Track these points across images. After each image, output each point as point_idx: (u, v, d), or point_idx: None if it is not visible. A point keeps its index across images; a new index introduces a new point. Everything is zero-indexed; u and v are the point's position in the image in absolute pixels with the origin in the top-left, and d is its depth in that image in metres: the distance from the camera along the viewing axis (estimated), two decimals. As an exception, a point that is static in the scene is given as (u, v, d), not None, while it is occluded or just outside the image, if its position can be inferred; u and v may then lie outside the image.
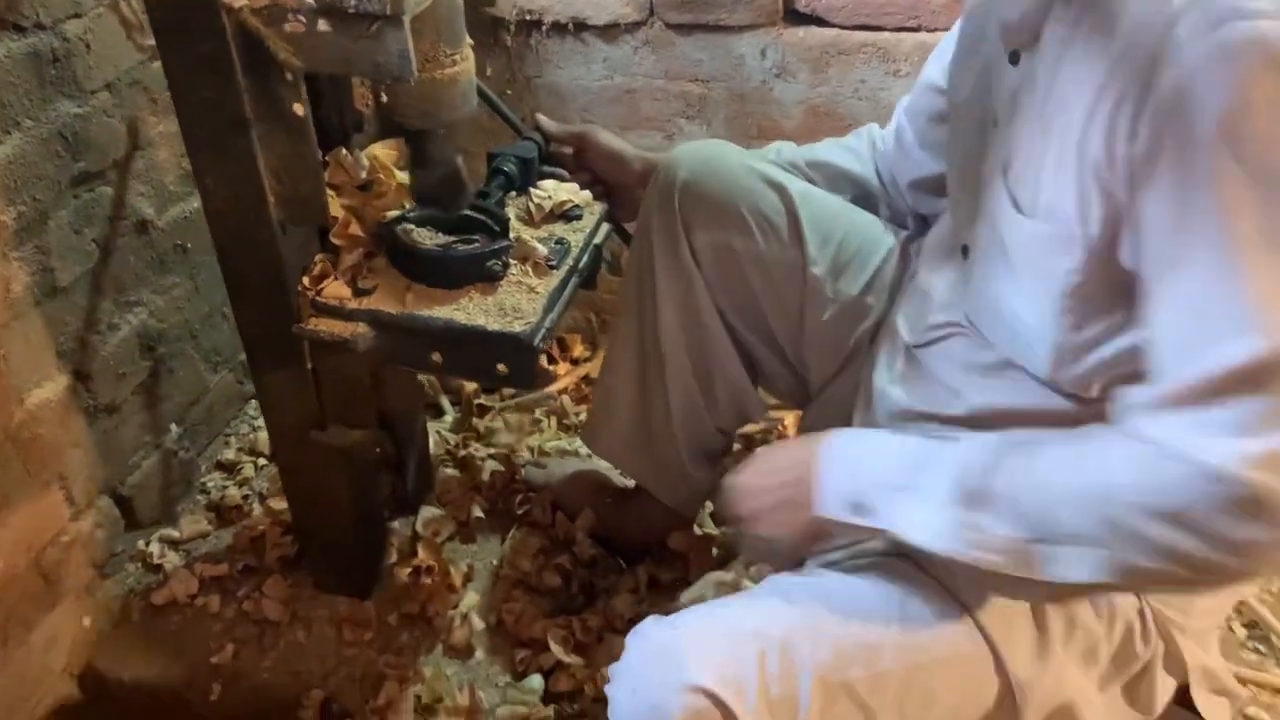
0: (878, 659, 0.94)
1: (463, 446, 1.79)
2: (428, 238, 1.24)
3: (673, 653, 0.94)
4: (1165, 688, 1.09)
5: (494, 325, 1.16)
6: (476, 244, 1.22)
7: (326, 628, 1.46)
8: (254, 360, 1.29)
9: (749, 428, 1.88)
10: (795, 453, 1.06)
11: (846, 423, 1.26)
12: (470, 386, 1.99)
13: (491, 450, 1.79)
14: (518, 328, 1.16)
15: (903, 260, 1.32)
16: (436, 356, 1.21)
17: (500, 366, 1.19)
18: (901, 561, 1.03)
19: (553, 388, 2.03)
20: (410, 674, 1.41)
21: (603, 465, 1.76)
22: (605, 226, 1.37)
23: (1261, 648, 1.65)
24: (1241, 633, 1.67)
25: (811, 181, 1.38)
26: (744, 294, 1.35)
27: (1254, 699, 1.57)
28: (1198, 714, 1.14)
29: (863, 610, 0.98)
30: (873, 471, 0.98)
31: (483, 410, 1.94)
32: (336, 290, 1.21)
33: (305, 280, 1.21)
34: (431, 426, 1.88)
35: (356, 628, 1.45)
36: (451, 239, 1.23)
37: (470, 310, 1.19)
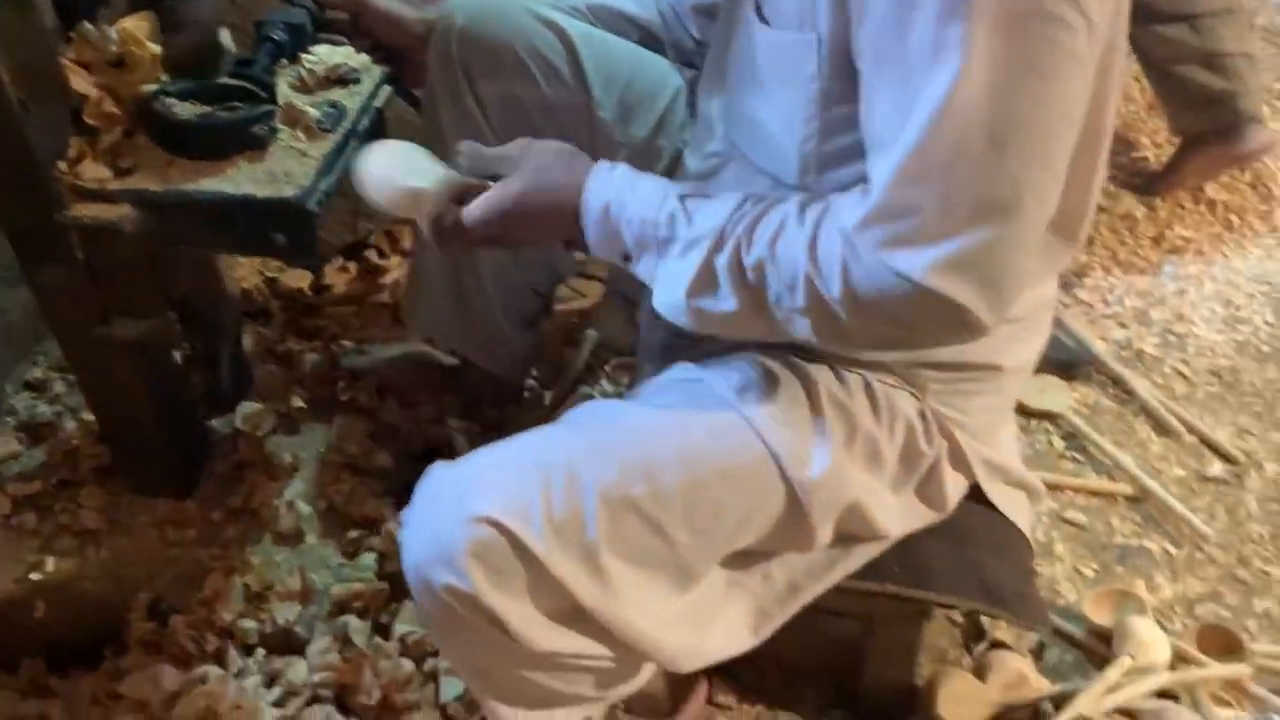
0: (660, 474, 0.95)
1: (282, 342, 1.74)
2: (190, 111, 1.18)
3: (456, 488, 0.94)
4: (955, 484, 1.13)
5: (263, 192, 1.12)
6: (239, 110, 1.17)
7: (148, 531, 1.42)
8: (22, 257, 1.22)
9: (566, 306, 1.85)
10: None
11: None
12: (298, 285, 1.93)
13: (313, 345, 1.75)
14: (288, 192, 1.12)
15: (691, 98, 1.30)
16: (211, 232, 1.16)
17: (278, 236, 1.14)
18: (686, 380, 1.05)
19: (384, 280, 1.99)
20: (237, 564, 1.39)
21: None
22: (386, 89, 1.32)
23: (1079, 456, 1.73)
24: (1060, 444, 1.74)
25: (594, 26, 1.35)
26: (536, 145, 1.32)
27: (1072, 503, 1.66)
28: (993, 508, 1.19)
29: (645, 430, 1.00)
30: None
31: (310, 310, 1.89)
32: (95, 172, 1.14)
33: (62, 165, 1.15)
34: (258, 329, 1.83)
35: (179, 527, 1.42)
36: (213, 109, 1.18)
37: (238, 180, 1.13)
